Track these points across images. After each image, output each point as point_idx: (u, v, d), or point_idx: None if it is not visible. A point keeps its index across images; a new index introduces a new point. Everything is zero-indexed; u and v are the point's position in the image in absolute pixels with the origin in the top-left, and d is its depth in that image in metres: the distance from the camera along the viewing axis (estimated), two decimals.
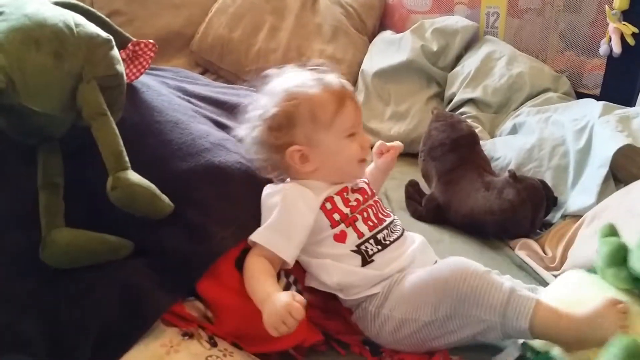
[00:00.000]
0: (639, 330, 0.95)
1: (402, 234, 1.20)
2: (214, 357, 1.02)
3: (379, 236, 1.15)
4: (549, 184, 1.71)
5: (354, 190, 1.19)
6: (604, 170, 1.59)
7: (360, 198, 1.18)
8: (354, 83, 2.39)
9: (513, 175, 1.62)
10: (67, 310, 0.99)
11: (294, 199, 1.12)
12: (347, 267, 1.12)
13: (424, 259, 1.18)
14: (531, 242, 1.58)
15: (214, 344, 1.05)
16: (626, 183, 1.59)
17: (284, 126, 1.13)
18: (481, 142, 1.86)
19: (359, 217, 1.15)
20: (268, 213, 1.12)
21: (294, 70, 1.23)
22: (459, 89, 2.23)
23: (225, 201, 1.13)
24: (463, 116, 2.05)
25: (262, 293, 1.03)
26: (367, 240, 1.14)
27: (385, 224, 1.18)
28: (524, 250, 1.56)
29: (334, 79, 1.18)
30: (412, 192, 1.84)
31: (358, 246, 1.13)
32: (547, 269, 1.47)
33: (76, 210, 1.08)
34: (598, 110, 1.77)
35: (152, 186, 1.03)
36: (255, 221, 1.14)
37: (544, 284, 1.43)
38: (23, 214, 1.07)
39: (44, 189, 1.07)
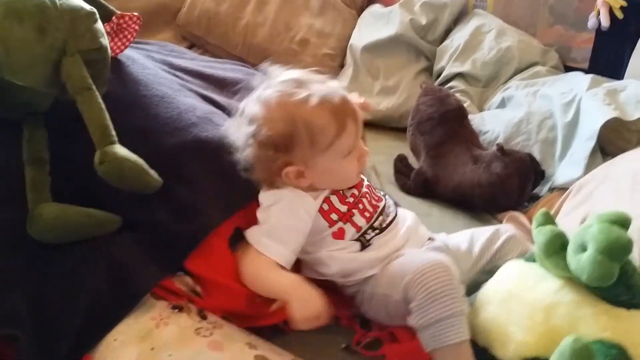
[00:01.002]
0: (580, 318, 0.96)
1: (395, 215, 1.20)
2: (203, 330, 1.02)
3: (376, 224, 1.16)
4: (537, 157, 1.71)
5: (350, 187, 1.17)
6: (592, 143, 1.60)
7: (356, 192, 1.17)
8: (343, 57, 2.38)
9: (501, 148, 1.62)
10: (54, 285, 0.99)
11: (294, 205, 1.10)
12: (346, 255, 1.13)
13: (418, 237, 1.19)
14: (519, 215, 1.59)
15: (203, 317, 1.05)
16: (613, 156, 1.61)
17: (280, 149, 1.08)
18: (469, 116, 1.86)
19: (355, 211, 1.14)
20: (266, 217, 1.11)
21: (291, 75, 1.13)
22: (447, 63, 2.22)
23: (214, 177, 1.12)
24: (452, 90, 2.05)
25: (282, 284, 1.06)
26: (365, 232, 1.14)
27: (379, 209, 1.18)
28: (511, 222, 1.57)
29: (336, 93, 1.09)
30: (401, 166, 1.85)
31: (357, 238, 1.14)
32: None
33: (63, 186, 1.07)
34: (586, 84, 1.78)
35: (140, 160, 1.02)
36: (245, 196, 1.14)
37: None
38: (8, 189, 1.06)
39: (29, 164, 1.06)
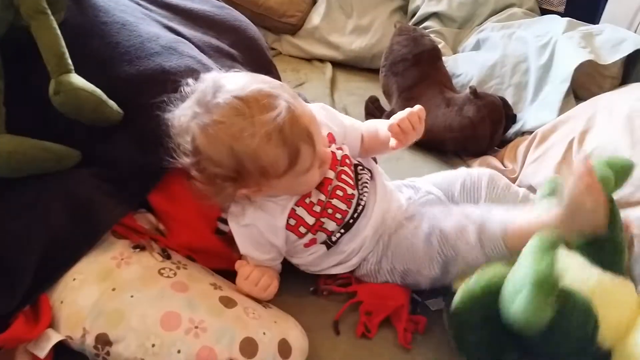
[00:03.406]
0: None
1: (364, 205, 1.12)
2: (167, 270, 1.00)
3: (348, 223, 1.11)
4: (509, 101, 1.70)
5: (316, 188, 1.08)
6: (566, 85, 1.59)
7: (323, 197, 1.07)
8: None
9: (474, 91, 1.60)
10: (10, 221, 0.95)
11: (260, 236, 1.07)
12: (311, 258, 1.12)
13: (391, 216, 1.15)
14: (490, 158, 1.59)
15: (167, 257, 1.03)
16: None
17: (228, 181, 0.98)
18: (443, 58, 1.83)
19: (325, 219, 1.08)
20: (240, 239, 1.09)
21: (234, 92, 0.94)
22: (423, 2, 2.18)
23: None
24: (426, 31, 2.01)
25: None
26: (333, 234, 1.10)
27: (353, 204, 1.10)
28: (483, 166, 1.56)
29: (283, 115, 0.93)
30: (372, 108, 1.82)
31: (324, 240, 1.10)
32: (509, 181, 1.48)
33: (20, 119, 1.02)
34: (562, 27, 1.76)
35: (98, 91, 0.97)
36: None
37: None
38: None
39: None
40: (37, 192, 0.98)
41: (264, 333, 0.96)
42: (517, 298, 0.86)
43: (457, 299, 0.97)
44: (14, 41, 1.04)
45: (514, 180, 1.47)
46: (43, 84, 0.97)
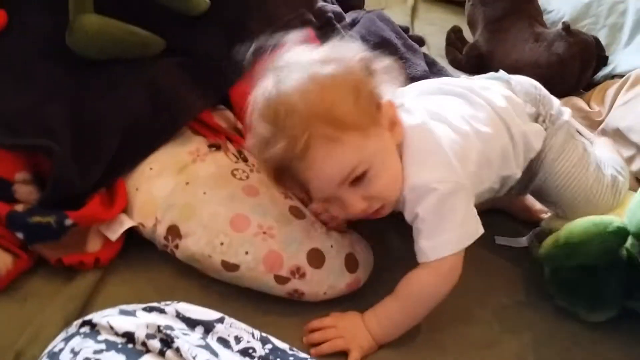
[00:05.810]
0: None
1: None
2: (240, 172, 0.97)
3: None
4: (602, 42, 1.62)
5: None
6: None
7: None
8: None
9: (567, 28, 1.52)
10: (92, 101, 0.94)
11: None
12: None
13: None
14: (575, 99, 1.51)
15: (244, 159, 1.01)
16: None
17: None
18: None
19: None
20: None
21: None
22: None
23: (264, 2, 1.05)
24: None
25: None
26: None
27: None
28: (567, 107, 1.49)
29: None
30: (454, 38, 1.75)
31: None
32: (594, 124, 1.41)
33: (104, 3, 0.99)
34: None
35: None
36: (299, 22, 1.06)
37: None
38: None
39: None
40: (122, 76, 0.97)
41: (332, 246, 0.93)
42: None
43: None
44: None
45: (599, 123, 1.40)
46: None
